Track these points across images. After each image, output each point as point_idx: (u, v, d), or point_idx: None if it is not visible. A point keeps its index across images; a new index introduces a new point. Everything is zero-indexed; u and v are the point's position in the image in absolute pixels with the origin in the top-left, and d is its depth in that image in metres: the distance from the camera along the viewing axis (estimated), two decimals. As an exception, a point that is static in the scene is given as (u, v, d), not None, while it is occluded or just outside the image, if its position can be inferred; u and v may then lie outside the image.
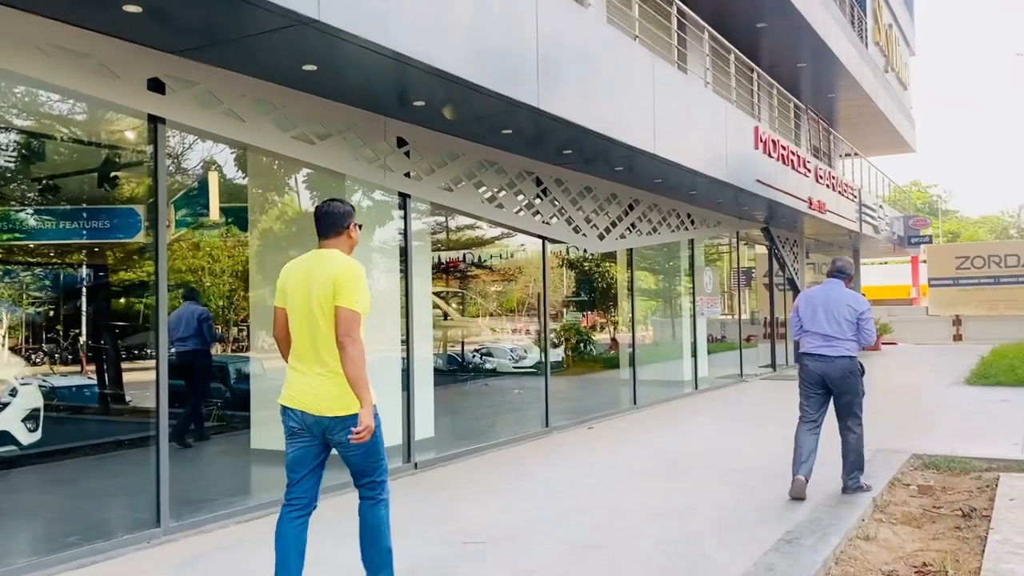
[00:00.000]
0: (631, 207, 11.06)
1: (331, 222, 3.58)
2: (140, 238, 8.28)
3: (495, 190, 8.41)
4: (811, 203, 14.53)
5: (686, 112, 9.87)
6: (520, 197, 8.78)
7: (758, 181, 11.88)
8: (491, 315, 17.03)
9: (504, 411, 11.82)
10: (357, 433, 3.30)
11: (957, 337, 27.27)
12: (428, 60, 5.45)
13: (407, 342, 7.24)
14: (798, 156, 13.80)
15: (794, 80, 17.18)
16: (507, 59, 6.38)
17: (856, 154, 20.72)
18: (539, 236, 9.20)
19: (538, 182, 9.05)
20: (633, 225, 11.11)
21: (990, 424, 9.30)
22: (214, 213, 9.52)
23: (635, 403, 11.16)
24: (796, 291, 18.77)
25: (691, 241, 13.45)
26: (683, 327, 13.55)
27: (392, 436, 7.17)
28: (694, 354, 13.42)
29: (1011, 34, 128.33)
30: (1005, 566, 4.27)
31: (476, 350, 15.16)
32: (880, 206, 21.15)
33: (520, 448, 8.27)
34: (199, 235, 10.93)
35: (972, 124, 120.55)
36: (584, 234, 9.89)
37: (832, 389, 5.96)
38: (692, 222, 13.03)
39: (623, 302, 13.75)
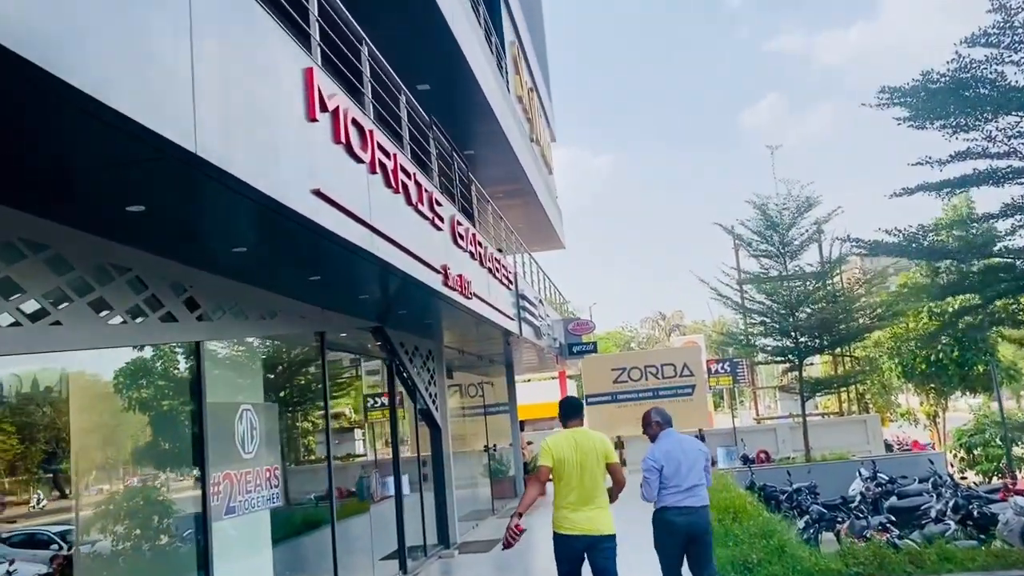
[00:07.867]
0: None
1: (577, 411, 6.24)
2: None
3: None
4: (447, 276, 8.12)
5: None
6: None
7: (318, 193, 5.05)
8: None
9: None
10: None
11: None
12: None
13: None
14: (413, 177, 7.34)
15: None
16: None
17: (509, 233, 14.99)
18: None
19: None
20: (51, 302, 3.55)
21: None
22: None
23: None
24: (435, 426, 12.27)
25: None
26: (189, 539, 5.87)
27: None
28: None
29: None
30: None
31: None
32: (540, 301, 15.70)
33: None
34: None
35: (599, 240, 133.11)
36: None
37: (697, 538, 6.06)
38: (240, 312, 5.74)
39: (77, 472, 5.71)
